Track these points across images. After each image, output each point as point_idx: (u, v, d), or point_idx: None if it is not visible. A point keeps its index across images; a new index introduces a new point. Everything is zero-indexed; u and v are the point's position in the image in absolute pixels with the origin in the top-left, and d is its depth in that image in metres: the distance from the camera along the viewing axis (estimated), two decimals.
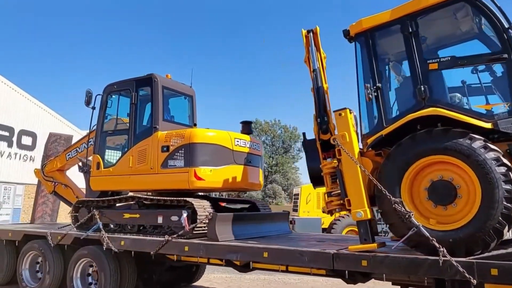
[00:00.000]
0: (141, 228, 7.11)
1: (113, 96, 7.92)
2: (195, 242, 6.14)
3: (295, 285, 9.43)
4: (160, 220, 6.84)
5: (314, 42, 7.26)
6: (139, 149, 7.29)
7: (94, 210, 7.47)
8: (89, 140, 9.23)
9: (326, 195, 6.08)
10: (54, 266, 7.64)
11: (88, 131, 9.15)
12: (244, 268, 6.42)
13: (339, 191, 5.86)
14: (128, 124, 7.57)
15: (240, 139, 7.28)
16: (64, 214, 13.89)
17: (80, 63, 77.15)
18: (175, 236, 6.33)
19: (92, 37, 76.84)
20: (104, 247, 6.90)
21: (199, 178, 6.71)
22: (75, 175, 10.30)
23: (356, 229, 5.47)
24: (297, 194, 17.30)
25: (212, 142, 6.90)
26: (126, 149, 7.51)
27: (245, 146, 7.36)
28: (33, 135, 22.72)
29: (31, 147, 22.61)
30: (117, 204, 7.71)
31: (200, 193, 7.80)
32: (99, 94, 7.98)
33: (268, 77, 78.72)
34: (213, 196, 8.39)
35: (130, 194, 7.78)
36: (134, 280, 7.22)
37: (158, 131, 7.18)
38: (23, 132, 22.28)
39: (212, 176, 6.80)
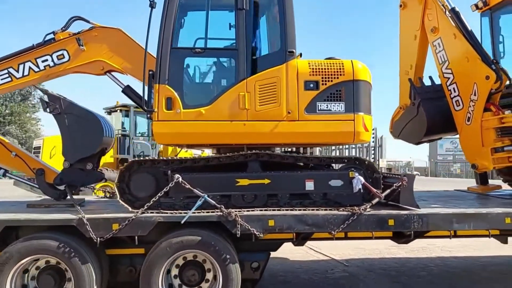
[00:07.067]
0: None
1: None
2: (403, 213, 4.67)
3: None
4: (309, 186, 4.81)
5: None
6: (262, 83, 4.79)
7: (177, 176, 4.57)
8: (53, 54, 5.52)
9: (491, 150, 5.64)
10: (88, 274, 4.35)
11: None
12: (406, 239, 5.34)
13: None
14: (234, 42, 4.83)
15: None
16: None
17: None
18: (368, 206, 4.63)
19: None
20: (238, 232, 4.41)
21: (367, 130, 5.03)
22: None
23: None
24: (39, 147, 15.07)
25: (370, 82, 5.22)
26: (233, 81, 4.80)
27: None
28: None
29: None
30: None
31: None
32: None
33: None
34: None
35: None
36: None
37: (295, 57, 4.89)
38: None
39: (370, 127, 5.21)
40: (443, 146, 56.60)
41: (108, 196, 6.61)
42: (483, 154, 5.71)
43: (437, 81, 6.46)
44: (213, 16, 4.86)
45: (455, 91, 6.04)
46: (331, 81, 4.89)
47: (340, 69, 4.93)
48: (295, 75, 4.86)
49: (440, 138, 7.25)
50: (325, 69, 4.91)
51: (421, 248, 8.22)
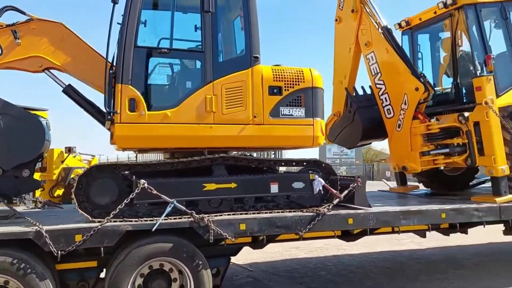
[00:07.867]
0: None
1: None
2: (360, 212, 5.01)
3: None
4: (274, 189, 4.91)
5: None
6: (229, 86, 4.78)
7: (143, 181, 4.33)
8: None
9: (419, 154, 6.31)
10: None
11: None
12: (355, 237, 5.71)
13: (445, 150, 6.30)
14: (200, 44, 4.72)
15: None
16: None
17: None
18: (329, 206, 4.87)
19: None
20: (211, 238, 4.32)
21: (323, 134, 5.30)
22: None
23: None
24: None
25: (323, 88, 5.50)
26: (199, 84, 4.69)
27: None
28: None
29: None
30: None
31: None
32: None
33: None
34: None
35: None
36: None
37: (259, 63, 4.96)
38: None
39: (324, 131, 5.49)
40: (331, 150, 60.57)
41: (39, 206, 5.95)
42: (411, 157, 6.37)
43: (368, 90, 7.05)
44: (178, 17, 4.73)
45: (386, 100, 6.65)
46: (293, 87, 5.08)
47: (300, 76, 5.14)
48: (260, 80, 4.94)
49: (370, 143, 7.90)
50: (287, 75, 5.08)
51: (318, 248, 8.58)
